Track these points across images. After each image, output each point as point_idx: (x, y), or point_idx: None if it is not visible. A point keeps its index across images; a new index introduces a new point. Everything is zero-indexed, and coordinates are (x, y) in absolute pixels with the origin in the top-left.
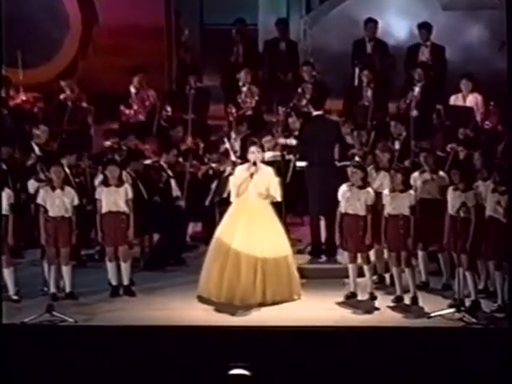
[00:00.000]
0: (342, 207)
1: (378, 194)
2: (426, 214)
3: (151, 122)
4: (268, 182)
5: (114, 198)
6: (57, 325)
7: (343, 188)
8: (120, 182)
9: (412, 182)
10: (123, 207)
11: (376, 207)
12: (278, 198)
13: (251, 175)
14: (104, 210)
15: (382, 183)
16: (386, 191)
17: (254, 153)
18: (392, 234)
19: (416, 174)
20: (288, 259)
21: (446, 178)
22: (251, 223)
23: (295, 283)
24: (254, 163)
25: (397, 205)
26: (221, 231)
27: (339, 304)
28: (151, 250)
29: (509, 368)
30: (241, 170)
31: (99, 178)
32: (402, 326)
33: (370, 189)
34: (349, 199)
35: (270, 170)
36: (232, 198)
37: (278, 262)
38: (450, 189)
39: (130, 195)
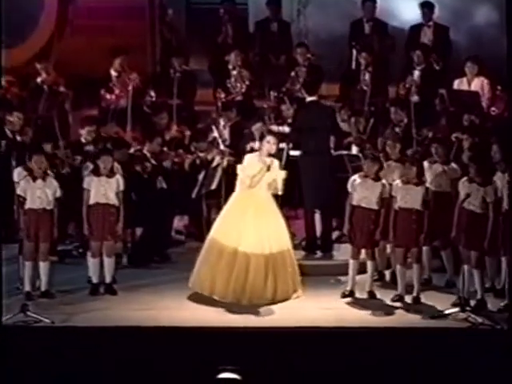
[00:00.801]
0: (355, 199)
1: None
2: (435, 208)
3: (133, 108)
4: (276, 173)
5: (104, 189)
6: (32, 326)
7: (355, 179)
8: (112, 173)
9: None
10: (113, 199)
11: (382, 202)
12: (280, 192)
13: (268, 167)
14: (92, 200)
15: (389, 175)
16: (397, 183)
17: (269, 142)
18: (403, 228)
19: (425, 163)
20: (291, 252)
21: (459, 170)
22: (259, 218)
23: (297, 278)
24: (271, 155)
25: (410, 198)
26: (224, 226)
27: (336, 303)
28: (134, 245)
29: None
30: (253, 160)
31: (89, 168)
32: (402, 327)
33: (384, 181)
34: (363, 192)
35: (277, 162)
36: (239, 188)
37: (284, 255)
38: (464, 180)
39: (122, 187)
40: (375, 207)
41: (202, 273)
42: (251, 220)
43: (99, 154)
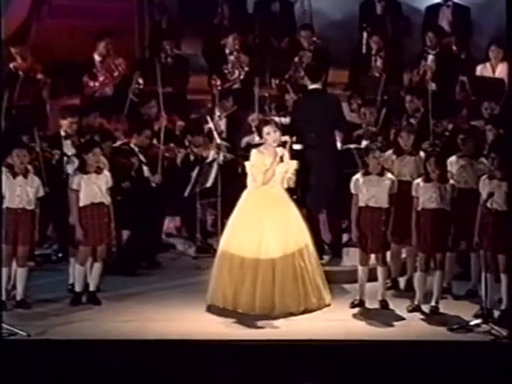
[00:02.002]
0: (361, 200)
1: (398, 184)
2: (460, 207)
3: (119, 97)
4: (288, 165)
5: (96, 187)
6: (5, 339)
7: (358, 178)
8: (99, 168)
9: (449, 167)
10: (106, 197)
11: (397, 199)
12: (292, 184)
13: (281, 158)
14: (84, 201)
15: (402, 171)
16: (418, 181)
17: (269, 133)
18: (429, 232)
19: (453, 158)
20: (309, 248)
21: (488, 165)
22: (277, 216)
23: (322, 273)
24: (284, 144)
25: (436, 197)
26: (239, 230)
27: (344, 313)
28: (119, 249)
29: None
30: (259, 155)
31: (74, 164)
32: (418, 340)
33: (390, 175)
34: (369, 190)
35: (286, 152)
36: (251, 187)
37: (302, 252)
38: (484, 178)
39: (110, 183)
40: (385, 205)
41: (221, 287)
42: (269, 219)
43: (87, 148)
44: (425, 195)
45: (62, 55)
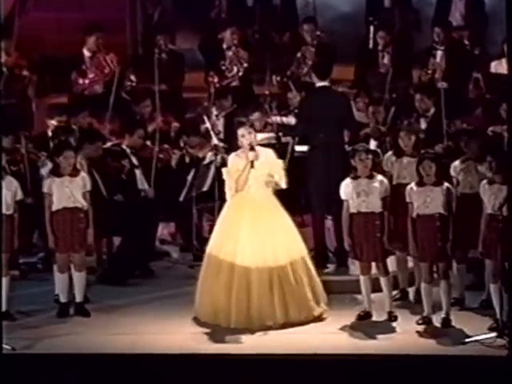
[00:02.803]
0: (351, 206)
1: (398, 187)
2: (466, 213)
3: (110, 95)
4: (270, 166)
5: (69, 191)
6: None
7: (347, 183)
8: (75, 171)
9: (453, 172)
10: (81, 202)
11: (395, 203)
12: (283, 185)
13: (252, 163)
14: (56, 206)
15: (401, 173)
16: (411, 186)
17: (244, 136)
18: (427, 239)
19: (457, 162)
20: (306, 261)
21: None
22: (257, 223)
23: (319, 290)
24: (252, 148)
25: (431, 202)
26: (219, 238)
27: (350, 326)
28: (110, 257)
29: None
30: (235, 159)
31: (47, 167)
32: (430, 355)
33: (381, 176)
34: (359, 195)
35: (269, 152)
36: (229, 197)
37: (295, 266)
38: (484, 183)
39: (89, 186)
40: (378, 209)
41: (202, 296)
42: (248, 227)
43: (59, 151)
44: (419, 200)
45: (49, 50)
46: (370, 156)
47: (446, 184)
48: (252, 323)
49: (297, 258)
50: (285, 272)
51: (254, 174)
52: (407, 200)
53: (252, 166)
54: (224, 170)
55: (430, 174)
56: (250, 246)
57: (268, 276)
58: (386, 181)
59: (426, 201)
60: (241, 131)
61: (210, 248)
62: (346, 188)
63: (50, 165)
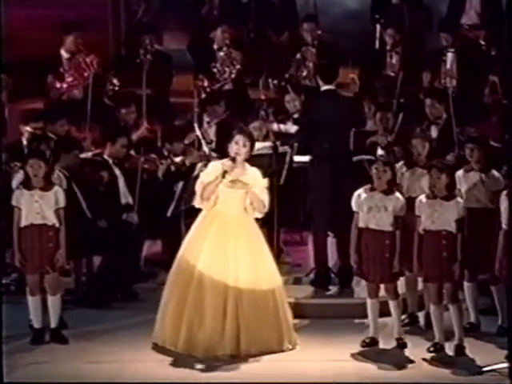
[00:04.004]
0: (361, 220)
1: (408, 201)
2: (474, 230)
3: (91, 100)
4: (249, 184)
5: (38, 206)
6: None
7: (360, 194)
8: (48, 184)
9: (457, 185)
10: (52, 219)
11: (405, 218)
12: (260, 214)
13: (223, 174)
14: (24, 222)
15: (412, 185)
16: (421, 198)
17: (238, 143)
18: (432, 257)
19: (460, 172)
20: (276, 294)
21: (501, 179)
22: (222, 239)
23: (287, 328)
24: (234, 159)
25: (438, 217)
26: (183, 252)
27: (354, 354)
28: (90, 278)
29: None
30: (214, 166)
31: (18, 177)
32: None
33: (398, 194)
34: (371, 209)
35: (254, 172)
36: (196, 203)
37: (260, 297)
38: (504, 194)
39: (62, 203)
40: (389, 228)
41: (157, 316)
42: (211, 240)
43: (27, 159)
44: (426, 214)
45: (23, 51)
46: (388, 169)
47: (459, 199)
48: (196, 350)
49: (265, 290)
50: (244, 298)
51: (225, 190)
52: (416, 213)
53: (223, 177)
54: (201, 174)
55: (439, 185)
56: (209, 261)
57: (222, 295)
58: (402, 199)
59: (433, 215)
60: (237, 138)
61: (175, 261)
62: (357, 199)
63: (20, 176)
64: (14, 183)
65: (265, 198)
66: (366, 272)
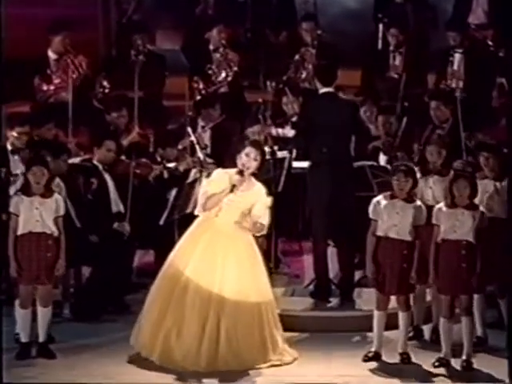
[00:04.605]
0: (380, 228)
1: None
2: (486, 240)
3: (80, 103)
4: (252, 205)
5: (38, 213)
6: None
7: (380, 201)
8: (48, 192)
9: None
10: (51, 227)
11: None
12: (263, 231)
13: (232, 188)
14: (22, 229)
15: (426, 193)
16: (441, 206)
17: (248, 156)
18: (450, 268)
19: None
20: (262, 309)
21: None
22: (213, 249)
23: (272, 343)
24: (241, 172)
25: (460, 227)
26: (173, 257)
27: (357, 368)
28: (79, 290)
29: None
30: (220, 175)
31: (17, 184)
32: None
33: (419, 202)
34: (391, 217)
35: (260, 189)
36: (197, 211)
37: (244, 311)
38: None
39: (62, 211)
40: (408, 238)
41: (139, 319)
42: (201, 249)
43: (29, 164)
44: (447, 223)
45: (9, 52)
46: (410, 178)
47: (481, 208)
48: (174, 362)
49: (252, 303)
50: (227, 309)
51: (229, 204)
52: (433, 221)
53: (231, 191)
54: (205, 181)
55: (464, 195)
56: (196, 268)
57: (205, 303)
58: (423, 207)
59: (454, 224)
60: (248, 150)
61: (163, 267)
62: (376, 206)
63: (20, 181)
64: (12, 190)
65: (264, 219)
66: (382, 283)
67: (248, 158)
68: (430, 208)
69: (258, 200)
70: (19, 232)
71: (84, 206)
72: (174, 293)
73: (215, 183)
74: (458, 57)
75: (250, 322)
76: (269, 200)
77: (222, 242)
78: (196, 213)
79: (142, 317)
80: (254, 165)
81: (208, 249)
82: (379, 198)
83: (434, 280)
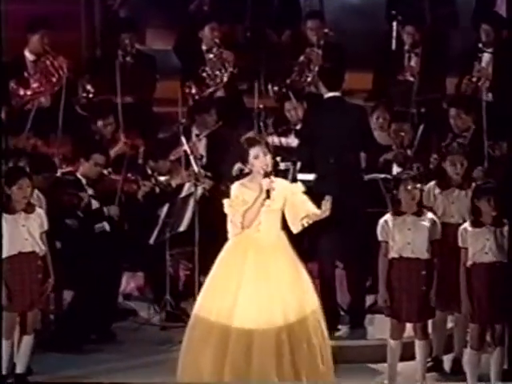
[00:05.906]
0: (392, 250)
1: (443, 228)
2: None
3: (60, 109)
4: (284, 199)
5: (25, 230)
6: None
7: (387, 220)
8: (30, 206)
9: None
10: (40, 245)
11: (442, 249)
12: (327, 212)
13: (267, 193)
14: (10, 251)
15: (448, 209)
16: (466, 226)
17: (258, 157)
18: (485, 294)
19: None
20: (317, 315)
21: None
22: (264, 272)
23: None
24: (267, 174)
25: (492, 246)
26: (211, 293)
27: None
28: (60, 317)
29: None
30: (241, 189)
31: None
32: None
33: (431, 214)
34: (403, 235)
35: (282, 182)
36: (232, 234)
37: (305, 322)
38: None
39: (46, 225)
40: (425, 256)
41: (185, 363)
42: (252, 277)
43: (13, 178)
44: (476, 245)
45: None
46: (419, 185)
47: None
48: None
49: (307, 313)
50: (295, 330)
51: (266, 210)
52: (460, 244)
53: (268, 197)
54: (226, 201)
55: (489, 211)
56: (254, 304)
57: (275, 337)
58: (436, 219)
59: (485, 245)
60: (255, 151)
61: (198, 306)
62: (384, 226)
63: None
64: None
65: (313, 206)
66: (398, 310)
67: (260, 159)
68: (453, 226)
69: (286, 192)
70: (5, 254)
71: (69, 225)
72: (232, 328)
73: (237, 199)
74: (486, 58)
75: (310, 331)
76: (299, 184)
77: (271, 257)
78: (230, 236)
79: (186, 355)
80: (269, 160)
81: (259, 268)
82: (386, 217)
83: (469, 310)
